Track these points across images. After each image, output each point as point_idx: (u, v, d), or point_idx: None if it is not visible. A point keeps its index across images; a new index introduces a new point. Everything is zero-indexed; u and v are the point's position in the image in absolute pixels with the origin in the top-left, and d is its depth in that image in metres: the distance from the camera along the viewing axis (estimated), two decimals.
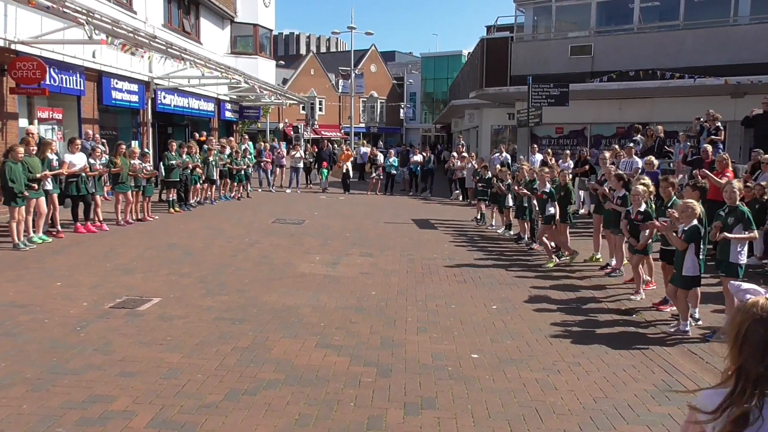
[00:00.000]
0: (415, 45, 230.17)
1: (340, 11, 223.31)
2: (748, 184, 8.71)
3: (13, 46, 12.28)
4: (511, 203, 11.80)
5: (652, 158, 10.92)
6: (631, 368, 4.90)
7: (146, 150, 14.99)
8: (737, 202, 6.09)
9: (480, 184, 13.74)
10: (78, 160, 10.40)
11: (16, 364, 4.56)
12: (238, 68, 20.57)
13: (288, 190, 20.39)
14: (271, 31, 27.02)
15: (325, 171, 22.08)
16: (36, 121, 13.07)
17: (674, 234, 5.83)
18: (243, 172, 17.20)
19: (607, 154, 11.43)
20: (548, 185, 9.48)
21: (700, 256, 5.84)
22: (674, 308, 6.44)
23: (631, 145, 12.87)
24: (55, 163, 10.20)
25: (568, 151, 16.46)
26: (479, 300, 6.95)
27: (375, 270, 8.43)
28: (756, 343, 1.46)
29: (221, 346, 5.09)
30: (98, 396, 4.04)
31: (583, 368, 4.87)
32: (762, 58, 17.18)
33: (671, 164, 12.99)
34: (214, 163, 15.42)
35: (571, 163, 14.70)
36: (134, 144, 15.76)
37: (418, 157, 21.27)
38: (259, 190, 19.84)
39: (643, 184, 7.19)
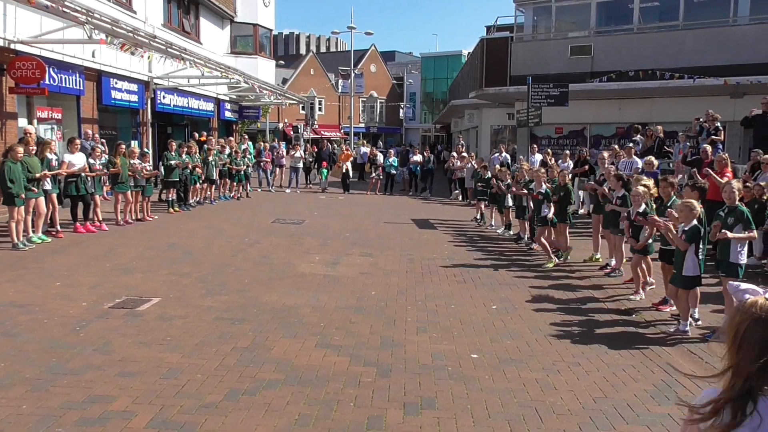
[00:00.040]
0: (414, 45, 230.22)
1: (340, 11, 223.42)
2: (747, 184, 8.72)
3: (12, 46, 12.27)
4: (510, 203, 11.80)
5: (652, 158, 10.93)
6: (631, 368, 4.91)
7: (146, 150, 14.99)
8: (737, 202, 6.09)
9: (480, 184, 13.75)
10: (77, 160, 10.40)
11: (15, 364, 4.56)
12: (237, 68, 20.56)
13: (288, 190, 20.39)
14: (270, 30, 27.01)
15: (325, 171, 22.08)
16: (35, 121, 13.06)
17: (676, 234, 5.82)
18: (242, 172, 17.19)
19: (606, 155, 11.44)
20: (544, 186, 9.49)
21: (700, 256, 5.84)
22: (674, 308, 6.45)
23: (631, 145, 12.89)
24: (55, 163, 10.19)
25: (567, 151, 16.46)
26: (479, 300, 6.95)
27: (375, 270, 8.43)
28: (754, 343, 1.46)
29: (221, 346, 5.09)
30: (98, 396, 4.04)
31: (582, 368, 4.87)
32: (761, 58, 17.18)
33: (671, 164, 12.99)
34: (213, 163, 15.42)
35: (571, 164, 14.70)
36: (134, 144, 15.76)
37: (417, 157, 21.28)
38: (259, 190, 19.84)
39: (644, 186, 7.19)
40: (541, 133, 21.70)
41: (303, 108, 45.42)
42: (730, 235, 5.82)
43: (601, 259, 9.16)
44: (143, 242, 9.94)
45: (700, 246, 5.83)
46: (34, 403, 3.91)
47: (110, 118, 16.99)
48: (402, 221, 13.87)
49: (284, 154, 22.57)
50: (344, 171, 21.48)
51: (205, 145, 15.85)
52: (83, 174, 10.42)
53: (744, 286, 1.58)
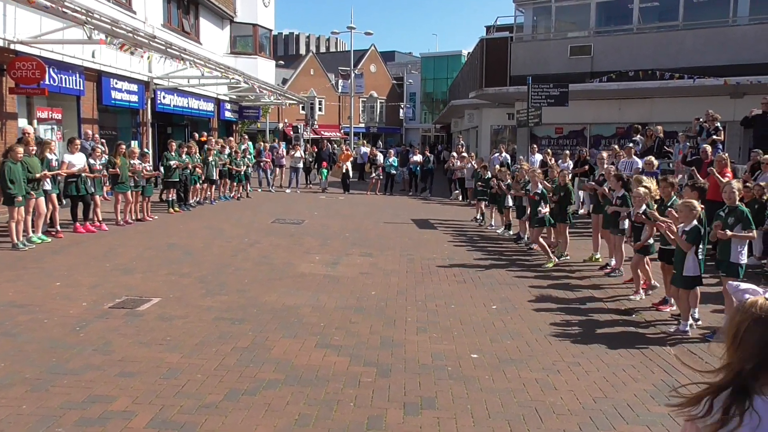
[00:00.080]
0: (414, 45, 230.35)
1: (340, 11, 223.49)
2: (747, 184, 8.72)
3: (12, 46, 12.27)
4: (510, 203, 11.80)
5: (652, 158, 10.94)
6: (631, 368, 4.91)
7: (146, 150, 14.99)
8: (737, 202, 6.10)
9: (479, 184, 13.76)
10: (77, 161, 10.39)
11: (15, 364, 4.56)
12: (237, 68, 20.57)
13: (288, 190, 20.39)
14: (270, 31, 27.01)
15: (325, 171, 22.08)
16: (35, 121, 13.06)
17: (678, 236, 5.81)
18: (243, 173, 17.19)
19: (605, 155, 11.46)
20: (540, 186, 9.50)
21: (700, 256, 5.84)
22: (674, 308, 6.45)
23: (631, 145, 12.89)
24: (55, 163, 10.19)
25: (567, 152, 16.47)
26: (479, 300, 6.95)
27: (375, 270, 8.43)
28: (753, 342, 1.47)
29: (221, 346, 5.09)
30: (98, 396, 4.04)
31: (582, 368, 4.87)
32: (761, 58, 17.19)
33: (671, 164, 13.00)
34: (213, 163, 15.42)
35: (571, 164, 14.70)
36: (134, 144, 15.76)
37: (417, 157, 21.27)
38: (259, 190, 19.84)
39: (646, 187, 7.19)
40: (541, 133, 21.70)
41: (303, 108, 45.43)
42: (729, 233, 5.83)
43: (601, 259, 9.16)
44: (143, 242, 9.94)
45: (700, 246, 5.83)
46: (34, 403, 3.90)
47: (110, 119, 16.99)
48: (402, 221, 13.87)
49: (284, 154, 22.57)
50: (344, 171, 21.49)
51: (206, 146, 15.85)
52: (83, 174, 10.42)
53: (744, 286, 1.58)
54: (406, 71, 58.66)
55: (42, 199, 9.50)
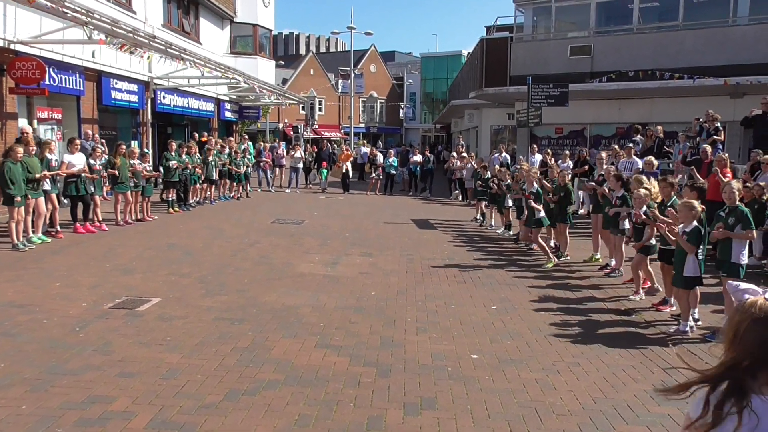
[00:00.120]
0: (414, 45, 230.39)
1: (340, 11, 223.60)
2: (747, 184, 8.72)
3: (12, 46, 12.27)
4: (510, 203, 11.79)
5: (652, 158, 10.94)
6: (631, 368, 4.90)
7: (146, 150, 14.99)
8: (737, 202, 6.10)
9: (479, 183, 13.77)
10: (77, 161, 10.39)
11: (15, 364, 4.56)
12: (237, 68, 20.57)
13: (287, 190, 20.39)
14: (270, 31, 27.01)
15: (325, 171, 22.08)
16: (35, 121, 13.06)
17: (681, 237, 5.79)
18: (243, 174, 17.20)
19: (604, 155, 11.47)
20: (535, 185, 9.50)
21: (700, 257, 5.84)
22: (674, 308, 6.45)
23: (631, 145, 12.90)
24: (54, 163, 10.19)
25: (567, 152, 16.48)
26: (479, 300, 6.95)
27: (374, 270, 8.43)
28: (752, 341, 1.47)
29: (221, 347, 5.09)
30: (97, 396, 4.03)
31: (582, 368, 4.87)
32: (761, 58, 17.19)
33: (670, 164, 13.00)
34: (213, 163, 15.41)
35: (571, 164, 14.71)
36: (134, 144, 15.76)
37: (417, 157, 21.27)
38: (259, 190, 19.84)
39: (646, 188, 7.20)
40: (541, 134, 21.70)
41: (303, 108, 45.43)
42: (731, 234, 5.83)
43: (601, 260, 9.16)
44: (143, 242, 9.93)
45: (700, 246, 5.83)
46: (33, 403, 3.90)
47: (110, 119, 16.99)
48: (402, 221, 13.86)
49: (284, 154, 22.57)
50: (344, 171, 21.49)
51: (206, 146, 15.85)
52: (83, 175, 10.41)
53: (743, 286, 1.58)
54: (406, 71, 58.65)
55: (42, 199, 9.50)
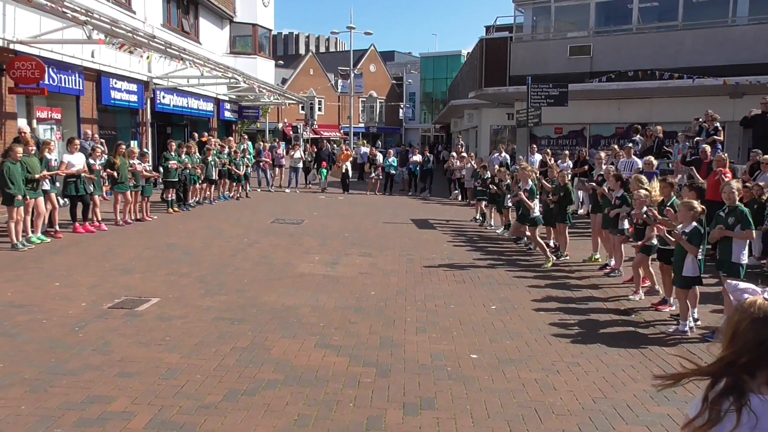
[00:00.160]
0: (414, 45, 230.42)
1: (339, 11, 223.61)
2: (747, 184, 8.72)
3: (11, 46, 12.27)
4: (510, 203, 11.79)
5: (651, 158, 10.94)
6: (630, 368, 4.90)
7: (145, 150, 14.99)
8: (736, 202, 6.10)
9: (477, 182, 13.77)
10: (76, 161, 10.38)
11: (14, 364, 4.55)
12: (237, 68, 20.56)
13: (287, 190, 20.38)
14: (270, 30, 27.01)
15: (324, 171, 22.08)
16: (35, 121, 13.05)
17: (682, 238, 5.79)
18: (243, 175, 17.20)
19: (603, 155, 11.48)
20: (530, 182, 9.50)
21: (699, 257, 5.85)
22: (673, 308, 6.45)
23: (630, 145, 12.90)
24: (54, 163, 10.19)
25: (567, 152, 16.48)
26: (478, 300, 6.95)
27: (374, 270, 8.43)
28: (751, 341, 1.47)
29: (220, 347, 5.09)
30: (97, 396, 4.03)
31: (582, 368, 4.87)
32: (760, 58, 17.20)
33: (670, 164, 13.01)
34: (213, 163, 15.41)
35: (570, 164, 14.71)
36: (133, 144, 15.75)
37: (417, 157, 21.27)
38: (258, 190, 19.83)
39: (647, 190, 7.21)
40: (540, 133, 21.70)
41: (302, 108, 45.41)
42: (732, 233, 5.83)
43: (600, 260, 9.17)
44: (142, 242, 9.93)
45: (700, 246, 5.83)
46: (33, 403, 3.90)
47: (110, 118, 16.99)
48: (401, 221, 13.86)
49: (284, 154, 22.57)
50: (344, 171, 21.48)
51: (205, 146, 15.85)
52: (82, 175, 10.41)
53: (742, 285, 1.59)
54: (406, 71, 58.65)
55: (41, 199, 9.49)
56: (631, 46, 19.97)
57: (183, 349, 4.99)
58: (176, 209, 13.71)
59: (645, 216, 6.88)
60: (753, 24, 18.36)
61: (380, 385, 4.39)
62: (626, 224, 8.14)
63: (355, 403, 4.09)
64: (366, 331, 5.65)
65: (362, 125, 56.10)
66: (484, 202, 13.55)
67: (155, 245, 9.72)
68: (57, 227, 10.10)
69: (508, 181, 11.87)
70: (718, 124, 12.25)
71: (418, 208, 17.03)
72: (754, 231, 6.17)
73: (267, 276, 7.86)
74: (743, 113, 12.82)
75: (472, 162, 17.06)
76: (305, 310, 6.28)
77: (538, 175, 10.82)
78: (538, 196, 10.46)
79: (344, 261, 9.00)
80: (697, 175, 9.91)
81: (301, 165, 21.31)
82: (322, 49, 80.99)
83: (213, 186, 15.87)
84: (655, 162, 10.93)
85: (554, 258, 9.25)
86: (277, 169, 21.69)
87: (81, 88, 14.53)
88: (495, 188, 12.20)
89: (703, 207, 5.91)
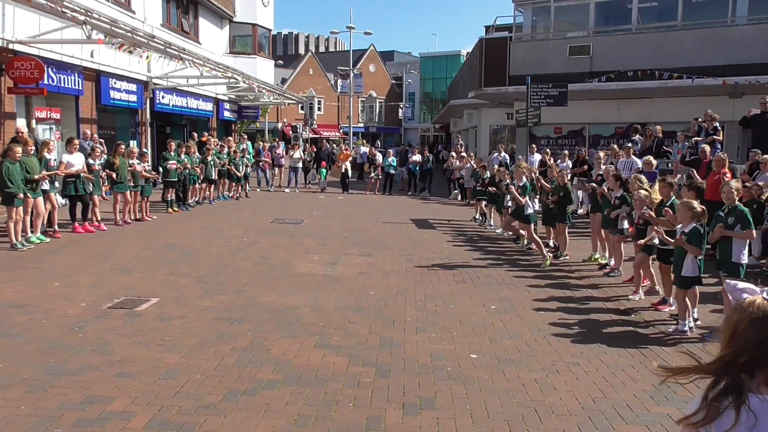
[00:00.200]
0: (413, 45, 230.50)
1: (339, 11, 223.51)
2: (746, 184, 8.72)
3: (11, 46, 12.26)
4: (509, 203, 11.78)
5: (651, 158, 10.95)
6: (630, 368, 4.91)
7: (145, 150, 14.98)
8: (736, 202, 6.10)
9: (478, 183, 13.78)
10: (76, 161, 10.37)
11: (13, 364, 4.55)
12: (236, 68, 20.56)
13: (287, 190, 20.38)
14: (269, 30, 27.00)
15: (324, 171, 22.07)
16: (34, 121, 13.05)
17: (682, 240, 5.77)
18: (243, 176, 17.20)
19: (602, 154, 11.48)
20: (524, 179, 9.51)
21: (699, 256, 5.84)
22: (673, 308, 6.45)
23: (630, 145, 12.91)
24: (53, 163, 10.18)
25: (566, 151, 16.48)
26: (478, 300, 6.95)
27: (374, 270, 8.43)
28: (750, 341, 1.47)
29: (220, 347, 5.09)
30: (96, 397, 4.03)
31: (581, 368, 4.87)
32: (760, 58, 17.21)
33: (669, 164, 13.01)
34: (212, 163, 15.40)
35: (570, 163, 14.71)
36: (132, 144, 15.75)
37: (416, 157, 21.28)
38: (258, 189, 19.82)
39: (647, 190, 7.21)
40: (540, 133, 21.71)
41: (302, 108, 45.39)
42: (732, 233, 5.83)
43: (600, 259, 9.17)
44: (142, 242, 9.93)
45: (701, 246, 5.82)
46: (32, 403, 3.90)
47: (109, 118, 16.98)
48: (401, 221, 13.87)
49: (283, 154, 22.57)
50: (343, 171, 21.48)
51: (205, 146, 15.84)
52: (82, 174, 10.40)
53: (741, 285, 1.59)
54: (405, 71, 58.64)
55: (40, 199, 9.48)
56: (631, 46, 19.98)
57: (182, 349, 4.99)
58: (176, 209, 13.70)
59: (646, 215, 6.88)
60: (752, 24, 18.37)
61: (380, 385, 4.39)
62: (626, 224, 8.15)
63: (354, 403, 4.09)
64: (366, 331, 5.65)
65: (362, 125, 56.09)
66: (483, 202, 13.55)
67: (155, 245, 9.71)
68: (56, 227, 10.09)
69: (508, 180, 11.87)
70: (717, 124, 12.26)
71: (418, 208, 17.03)
72: (754, 231, 6.17)
73: (266, 276, 7.85)
74: (742, 113, 12.83)
75: (472, 162, 17.07)
76: (305, 310, 6.28)
77: (537, 175, 10.83)
78: (537, 197, 10.47)
79: (344, 261, 9.00)
80: (697, 176, 9.91)
81: (300, 165, 21.31)
82: (322, 49, 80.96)
83: (212, 186, 15.86)
84: (654, 162, 10.94)
85: (551, 256, 9.25)
86: (276, 168, 21.69)
87: (80, 88, 14.52)
88: (494, 188, 12.19)
89: (703, 207, 5.90)
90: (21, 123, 12.61)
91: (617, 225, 8.25)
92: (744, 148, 14.20)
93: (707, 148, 10.98)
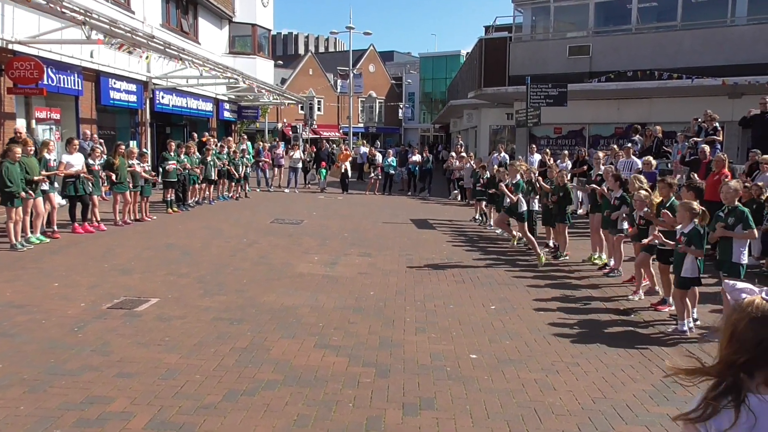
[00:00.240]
0: (413, 45, 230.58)
1: (339, 11, 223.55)
2: (745, 184, 8.72)
3: (10, 46, 12.27)
4: (508, 203, 11.77)
5: (650, 158, 10.95)
6: (630, 368, 4.91)
7: (144, 150, 14.98)
8: (736, 202, 6.10)
9: (479, 183, 13.78)
10: (75, 161, 10.37)
11: (13, 365, 4.55)
12: (236, 68, 20.56)
13: (286, 190, 20.38)
14: (269, 30, 27.00)
15: (324, 171, 22.07)
16: (33, 121, 13.05)
17: (686, 247, 5.76)
18: (242, 177, 17.20)
19: (601, 155, 11.48)
20: (518, 177, 9.51)
21: (700, 257, 5.84)
22: (672, 308, 6.45)
23: (629, 145, 12.91)
24: (53, 163, 10.18)
25: (566, 152, 16.49)
26: (478, 300, 6.95)
27: (373, 270, 8.43)
28: (749, 341, 1.47)
29: (219, 347, 5.09)
30: (96, 397, 4.03)
31: (581, 368, 4.87)
32: (759, 58, 17.21)
33: (669, 164, 13.02)
34: (212, 163, 15.40)
35: (569, 164, 14.71)
36: (132, 144, 15.75)
37: (416, 157, 21.28)
38: (258, 190, 19.82)
39: (647, 190, 7.21)
40: (539, 133, 21.71)
41: (302, 108, 45.39)
42: (732, 233, 5.83)
43: (599, 260, 9.16)
44: (141, 242, 9.92)
45: (702, 247, 5.82)
46: (32, 404, 3.90)
47: (109, 119, 16.99)
48: (401, 221, 13.86)
49: (283, 154, 22.57)
50: (343, 171, 21.48)
51: (205, 146, 15.84)
52: (81, 175, 10.40)
53: (740, 285, 1.59)
54: (405, 71, 58.63)
55: (40, 200, 9.48)
56: (630, 46, 19.98)
57: (182, 350, 4.99)
58: (175, 209, 13.69)
59: (649, 214, 6.88)
60: (752, 24, 18.37)
61: (380, 386, 4.39)
62: (625, 225, 8.15)
63: (354, 403, 4.09)
64: (365, 331, 5.65)
65: (361, 125, 56.09)
66: (483, 202, 13.55)
67: (154, 245, 9.71)
68: (55, 227, 10.08)
69: (507, 180, 11.87)
70: (717, 124, 12.26)
71: (418, 208, 17.03)
72: (755, 230, 6.17)
73: (266, 276, 7.85)
74: (742, 113, 12.83)
75: (471, 162, 17.07)
76: (304, 311, 6.28)
77: (537, 175, 10.83)
78: (537, 198, 10.47)
79: (343, 261, 9.00)
80: (695, 177, 9.90)
81: (300, 165, 21.30)
82: (322, 49, 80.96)
83: (212, 186, 15.86)
84: (654, 162, 10.94)
85: (545, 253, 9.27)
86: (276, 169, 21.69)
87: (80, 88, 14.52)
88: (494, 189, 12.18)
89: (703, 208, 5.90)
90: (21, 123, 12.61)
91: (617, 225, 8.25)
92: (744, 148, 14.21)
93: (707, 148, 10.98)
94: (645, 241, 6.96)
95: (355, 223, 13.19)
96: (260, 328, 5.63)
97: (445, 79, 51.29)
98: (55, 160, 10.38)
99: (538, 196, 10.49)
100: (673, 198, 6.90)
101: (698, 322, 6.03)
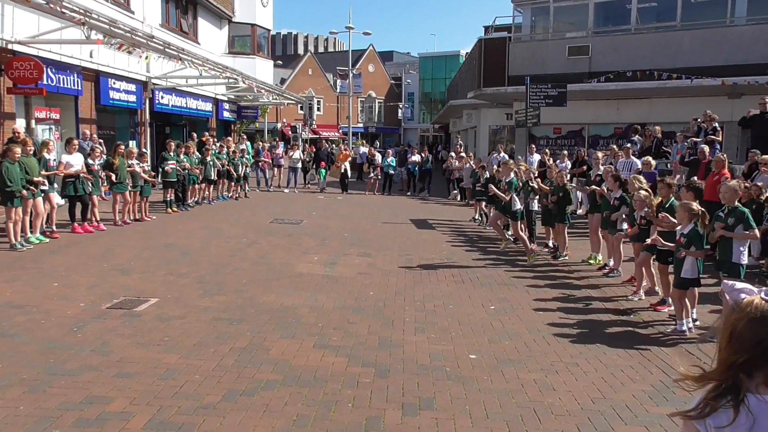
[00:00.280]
0: (412, 45, 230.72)
1: (338, 11, 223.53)
2: (745, 185, 8.72)
3: (10, 46, 12.26)
4: None
5: (650, 159, 10.95)
6: (629, 369, 4.91)
7: (144, 150, 14.97)
8: (735, 203, 6.10)
9: (479, 183, 13.79)
10: (75, 161, 10.37)
11: (12, 365, 4.55)
12: (235, 68, 20.56)
13: (286, 190, 20.37)
14: (269, 30, 27.00)
15: (323, 171, 22.07)
16: (33, 121, 13.04)
17: (689, 250, 5.76)
18: (242, 176, 17.19)
19: (600, 155, 11.48)
20: (511, 175, 9.51)
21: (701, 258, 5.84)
22: (671, 309, 6.45)
23: (629, 145, 12.91)
24: (53, 163, 10.18)
25: (565, 152, 16.49)
26: (477, 300, 6.95)
27: (373, 270, 8.43)
28: (749, 341, 1.47)
29: (219, 347, 5.09)
30: (95, 397, 4.03)
31: (581, 369, 4.87)
32: (759, 58, 17.22)
33: (668, 165, 13.02)
34: (212, 163, 15.40)
35: (569, 164, 14.72)
36: (132, 144, 15.74)
37: (416, 157, 21.28)
38: (257, 190, 19.82)
39: (647, 191, 7.22)
40: (539, 134, 21.72)
41: (301, 108, 45.35)
42: (731, 234, 5.83)
43: (599, 260, 9.17)
44: (141, 242, 9.92)
45: (703, 248, 5.82)
46: (31, 404, 3.89)
47: (108, 118, 16.98)
48: (400, 221, 13.86)
49: (282, 154, 22.56)
50: (342, 171, 21.48)
51: (204, 146, 15.83)
52: (81, 175, 10.39)
53: (739, 285, 1.59)
54: (405, 71, 58.64)
55: (40, 200, 9.48)
56: (630, 47, 19.99)
57: (182, 350, 4.99)
58: (175, 209, 13.69)
59: (650, 215, 6.89)
60: (751, 24, 18.38)
61: (379, 386, 4.39)
62: (624, 225, 8.15)
63: (353, 403, 4.09)
64: (365, 332, 5.65)
65: (361, 125, 56.08)
66: (483, 203, 13.55)
67: (154, 245, 9.71)
68: (54, 227, 10.08)
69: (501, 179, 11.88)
70: (716, 125, 12.26)
71: (417, 208, 17.03)
72: (756, 230, 6.17)
73: (266, 276, 7.85)
74: (741, 113, 12.84)
75: (471, 162, 17.07)
76: (304, 311, 6.28)
77: (536, 176, 10.84)
78: (537, 198, 10.47)
79: (343, 261, 9.00)
80: (695, 179, 9.90)
81: (299, 165, 21.30)
82: (321, 49, 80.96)
83: (212, 186, 15.85)
84: (653, 162, 10.94)
85: (535, 254, 9.29)
86: (276, 169, 21.69)
87: (79, 88, 14.52)
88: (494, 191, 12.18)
89: (703, 209, 5.90)
90: (20, 123, 12.60)
91: (616, 225, 8.25)
92: (743, 148, 14.21)
93: (706, 148, 10.98)
94: (648, 241, 6.96)
95: (354, 223, 13.19)
96: (259, 328, 5.63)
97: (445, 79, 51.32)
98: (54, 160, 10.37)
99: (537, 197, 10.49)
100: (673, 198, 6.90)
101: (698, 323, 6.03)
